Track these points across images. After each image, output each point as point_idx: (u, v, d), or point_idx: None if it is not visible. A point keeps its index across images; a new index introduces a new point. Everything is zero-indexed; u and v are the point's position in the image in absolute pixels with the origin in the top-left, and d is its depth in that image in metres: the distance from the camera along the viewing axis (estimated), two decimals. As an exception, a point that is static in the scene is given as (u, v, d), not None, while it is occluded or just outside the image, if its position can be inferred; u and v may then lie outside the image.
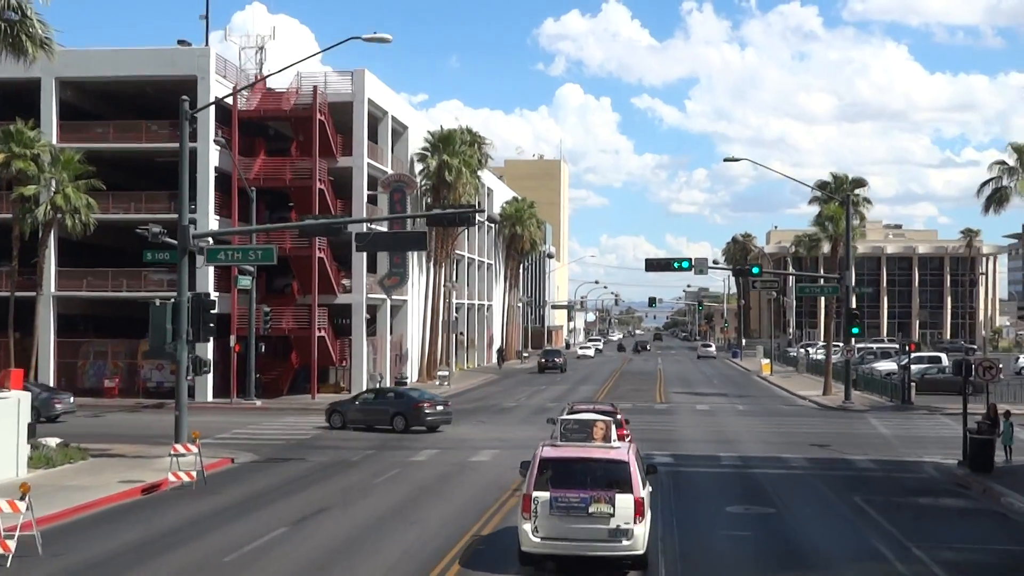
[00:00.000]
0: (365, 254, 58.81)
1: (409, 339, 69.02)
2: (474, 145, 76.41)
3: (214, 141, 51.35)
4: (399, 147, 69.08)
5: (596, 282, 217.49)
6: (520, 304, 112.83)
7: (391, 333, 67.26)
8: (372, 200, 60.58)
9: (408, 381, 60.20)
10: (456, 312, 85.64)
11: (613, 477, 17.29)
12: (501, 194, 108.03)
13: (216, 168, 53.89)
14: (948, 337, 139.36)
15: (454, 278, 73.27)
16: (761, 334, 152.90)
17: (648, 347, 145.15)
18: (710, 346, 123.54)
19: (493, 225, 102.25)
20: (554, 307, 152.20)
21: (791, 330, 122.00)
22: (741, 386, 70.38)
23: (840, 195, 58.41)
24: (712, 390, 65.69)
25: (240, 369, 53.97)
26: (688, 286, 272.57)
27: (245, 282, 50.59)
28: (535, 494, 17.14)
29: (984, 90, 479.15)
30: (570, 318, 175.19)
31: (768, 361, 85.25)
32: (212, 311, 31.52)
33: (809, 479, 29.29)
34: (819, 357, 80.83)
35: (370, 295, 60.17)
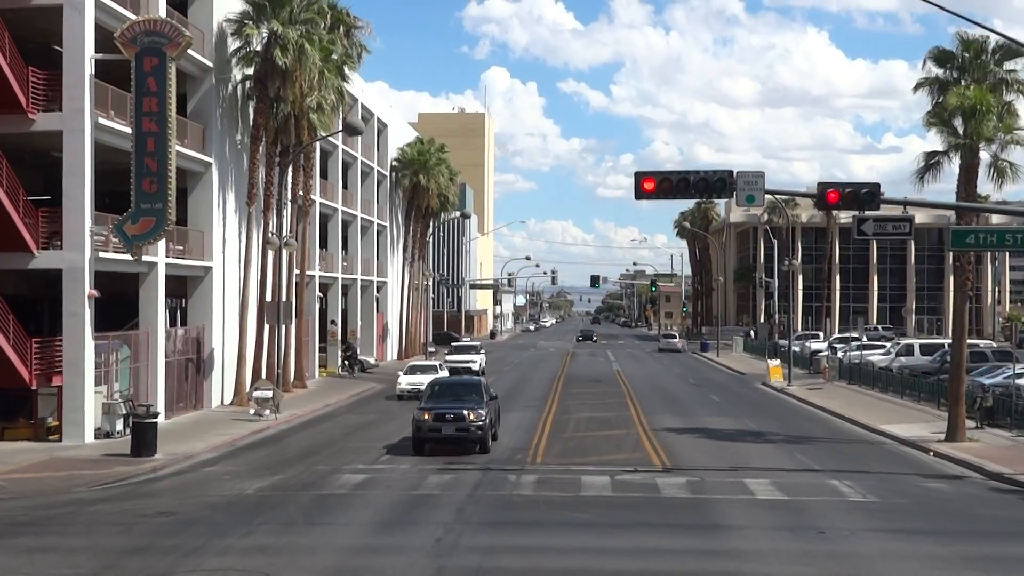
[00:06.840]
0: (87, 181, 30.65)
1: (218, 335, 40.85)
2: (338, 27, 48.42)
3: None
4: (198, 7, 40.84)
5: (527, 257, 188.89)
6: (428, 282, 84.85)
7: (179, 325, 39.21)
8: (107, 72, 32.37)
9: (159, 413, 32.07)
10: (320, 293, 57.63)
11: None
12: (403, 135, 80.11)
13: None
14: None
15: (291, 233, 45.00)
16: (728, 320, 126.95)
17: (595, 338, 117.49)
18: (674, 337, 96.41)
19: (388, 175, 74.26)
20: (475, 286, 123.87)
21: (766, 318, 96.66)
22: (769, 411, 42.98)
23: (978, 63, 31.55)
24: (730, 422, 38.05)
25: None
26: (635, 263, 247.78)
27: None
28: None
29: (904, 76, 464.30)
30: (496, 301, 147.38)
31: (778, 363, 58.66)
32: None
33: None
34: (875, 358, 54.34)
35: (106, 254, 32.13)
